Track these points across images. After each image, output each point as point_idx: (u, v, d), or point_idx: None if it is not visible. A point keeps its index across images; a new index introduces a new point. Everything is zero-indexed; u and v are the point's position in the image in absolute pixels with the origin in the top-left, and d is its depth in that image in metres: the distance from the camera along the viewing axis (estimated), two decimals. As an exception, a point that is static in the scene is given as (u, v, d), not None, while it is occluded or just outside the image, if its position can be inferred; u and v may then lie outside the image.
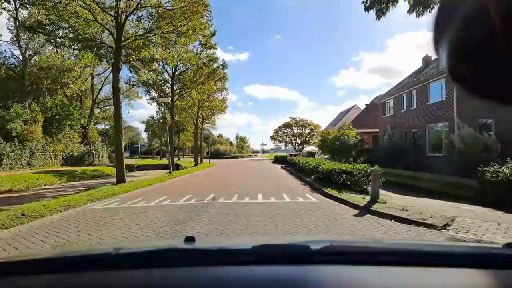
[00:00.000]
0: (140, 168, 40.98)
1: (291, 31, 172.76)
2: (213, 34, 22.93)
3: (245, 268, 0.93)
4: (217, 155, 68.60)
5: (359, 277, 0.88)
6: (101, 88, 42.63)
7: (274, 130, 57.43)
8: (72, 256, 1.15)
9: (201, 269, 0.94)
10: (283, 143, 57.67)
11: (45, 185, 18.81)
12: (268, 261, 0.96)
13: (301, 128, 54.42)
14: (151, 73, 25.11)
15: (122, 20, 14.77)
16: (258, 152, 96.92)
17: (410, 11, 7.15)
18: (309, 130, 54.01)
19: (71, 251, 1.45)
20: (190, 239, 1.27)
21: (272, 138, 57.74)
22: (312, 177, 14.49)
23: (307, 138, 53.97)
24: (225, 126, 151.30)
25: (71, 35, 16.30)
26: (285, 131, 55.94)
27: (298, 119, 54.66)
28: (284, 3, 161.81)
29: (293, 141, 55.37)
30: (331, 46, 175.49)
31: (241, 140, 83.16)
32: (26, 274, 0.95)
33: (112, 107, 19.38)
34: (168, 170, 21.97)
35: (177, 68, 27.91)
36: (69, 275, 0.94)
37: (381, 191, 8.96)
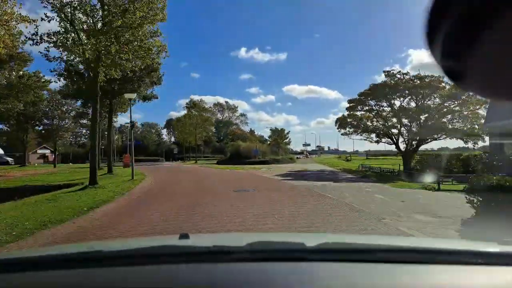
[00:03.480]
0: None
1: (331, 29, 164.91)
2: None
3: (240, 265, 0.92)
4: (237, 156, 40.01)
5: (354, 274, 0.87)
6: None
7: (349, 103, 26.33)
8: (66, 253, 1.15)
9: (196, 266, 0.93)
10: (362, 134, 26.46)
11: None
12: (262, 259, 0.95)
13: (415, 95, 22.84)
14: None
15: None
16: (302, 153, 66.23)
17: None
18: (439, 101, 22.41)
19: (67, 249, 1.46)
20: (184, 236, 1.26)
21: (341, 122, 26.78)
22: None
23: (430, 119, 22.37)
24: (263, 127, 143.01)
25: None
26: (372, 103, 24.81)
27: (407, 77, 23.15)
28: (324, 1, 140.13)
29: (391, 128, 24.02)
30: (374, 43, 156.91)
31: (278, 134, 52.62)
32: (18, 272, 0.93)
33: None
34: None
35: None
36: (64, 272, 0.92)
37: None
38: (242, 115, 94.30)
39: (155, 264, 0.93)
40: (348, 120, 26.58)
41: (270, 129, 57.80)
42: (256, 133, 75.86)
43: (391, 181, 14.81)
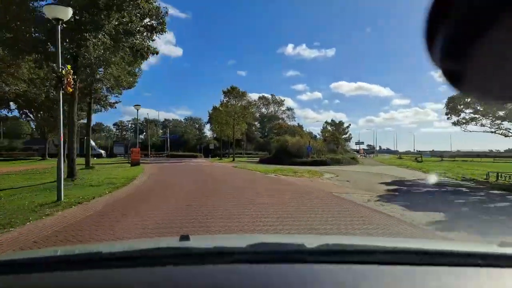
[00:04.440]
0: None
1: (383, 23, 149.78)
2: None
3: (240, 267, 0.92)
4: (283, 154, 31.96)
5: (355, 276, 0.86)
6: None
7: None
8: (67, 255, 1.14)
9: (196, 268, 0.92)
10: (494, 123, 16.09)
11: None
12: (263, 260, 0.95)
13: None
14: None
15: None
16: (357, 152, 55.23)
17: None
18: None
19: (66, 250, 1.42)
20: (185, 237, 1.25)
21: (456, 105, 16.70)
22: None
23: None
24: (308, 124, 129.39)
25: None
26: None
27: None
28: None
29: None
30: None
31: (336, 128, 42.59)
32: (18, 273, 0.92)
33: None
34: None
35: None
36: (63, 273, 0.90)
37: None
38: (289, 109, 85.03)
39: (155, 265, 0.91)
40: (467, 100, 16.44)
41: (326, 122, 47.88)
42: (303, 127, 66.29)
43: None
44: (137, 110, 21.95)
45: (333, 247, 1.05)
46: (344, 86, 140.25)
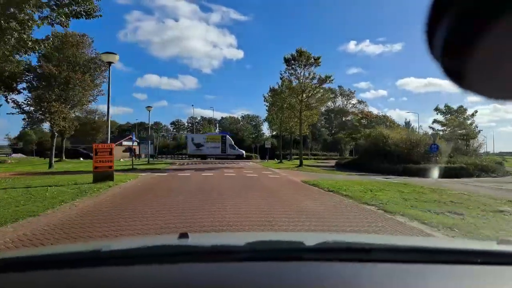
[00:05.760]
0: None
1: None
2: None
3: (239, 265, 0.92)
4: (379, 155, 19.29)
5: (354, 274, 0.86)
6: None
7: None
8: (66, 252, 1.14)
9: (195, 266, 0.92)
10: None
11: None
12: (261, 258, 0.95)
13: None
14: None
15: None
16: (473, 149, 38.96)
17: None
18: None
19: (65, 248, 1.43)
20: (184, 235, 1.24)
21: None
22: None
23: None
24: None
25: None
26: None
27: None
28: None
29: None
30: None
31: (450, 117, 28.30)
32: (18, 271, 0.91)
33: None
34: None
35: None
36: (62, 271, 0.90)
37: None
38: (361, 102, 70.21)
39: (154, 263, 0.91)
40: None
41: (436, 109, 32.22)
42: (392, 118, 51.20)
43: None
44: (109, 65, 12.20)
45: (332, 245, 1.05)
46: (413, 83, 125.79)
